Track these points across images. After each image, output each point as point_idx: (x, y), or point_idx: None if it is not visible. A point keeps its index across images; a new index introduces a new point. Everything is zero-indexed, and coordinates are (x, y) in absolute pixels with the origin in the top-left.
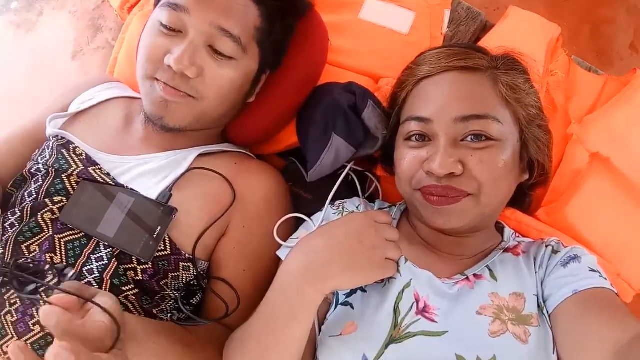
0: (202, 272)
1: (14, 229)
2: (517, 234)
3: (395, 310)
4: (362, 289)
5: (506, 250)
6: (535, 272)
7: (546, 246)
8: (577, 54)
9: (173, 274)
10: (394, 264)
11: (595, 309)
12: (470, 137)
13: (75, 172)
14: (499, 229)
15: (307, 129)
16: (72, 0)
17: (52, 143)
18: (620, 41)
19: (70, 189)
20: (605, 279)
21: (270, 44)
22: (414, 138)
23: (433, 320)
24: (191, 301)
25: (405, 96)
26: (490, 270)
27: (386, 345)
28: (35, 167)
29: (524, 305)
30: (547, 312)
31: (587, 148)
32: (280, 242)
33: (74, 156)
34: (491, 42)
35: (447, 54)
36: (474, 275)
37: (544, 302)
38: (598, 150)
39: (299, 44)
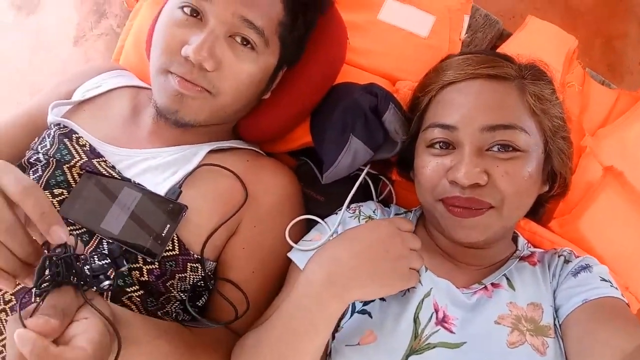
0: (209, 273)
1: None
2: (530, 244)
3: (416, 320)
4: (382, 298)
5: (522, 258)
6: (550, 283)
7: (559, 256)
8: (589, 66)
9: (180, 275)
10: (417, 274)
11: (604, 318)
12: (496, 147)
13: (78, 164)
14: (513, 238)
15: (324, 129)
16: None
17: (54, 131)
18: (630, 56)
19: (72, 181)
20: (616, 288)
21: (291, 40)
22: (437, 145)
23: (451, 331)
24: (197, 303)
25: (429, 101)
26: (507, 279)
27: (407, 357)
28: (35, 157)
29: (541, 315)
30: (559, 322)
31: (600, 161)
32: (292, 243)
33: (77, 146)
34: (510, 50)
35: (475, 61)
36: (492, 284)
37: (556, 312)
38: (612, 164)
39: (318, 41)
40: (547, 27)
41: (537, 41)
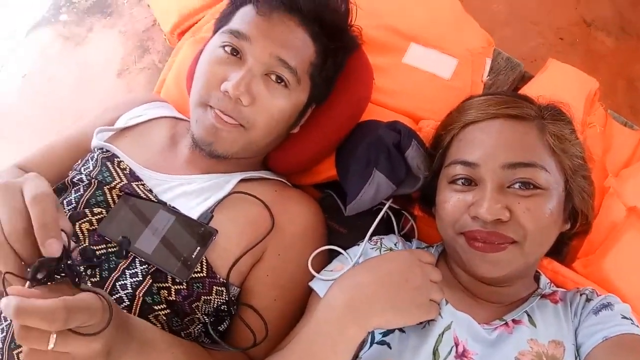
0: (232, 298)
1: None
2: (552, 284)
3: (435, 353)
4: (401, 330)
5: (543, 296)
6: (572, 321)
7: (580, 295)
8: (612, 108)
9: (205, 297)
10: (437, 307)
11: (624, 354)
12: (517, 184)
13: (118, 186)
14: (535, 277)
15: (349, 163)
16: (123, 20)
17: (97, 155)
18: None
19: (110, 201)
20: (637, 326)
21: (320, 79)
22: (459, 182)
23: None
24: (218, 327)
25: (451, 139)
26: (529, 315)
27: None
28: (78, 177)
29: (563, 354)
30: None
31: (624, 202)
32: (314, 273)
33: (118, 170)
34: (531, 92)
35: (496, 101)
36: (513, 320)
37: (577, 350)
38: (635, 205)
39: (346, 81)
40: (568, 70)
41: (558, 83)
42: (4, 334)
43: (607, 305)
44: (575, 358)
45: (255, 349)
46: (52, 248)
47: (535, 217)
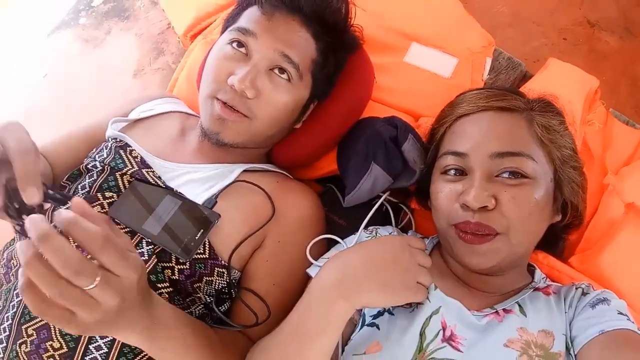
0: (234, 281)
1: None
2: (548, 279)
3: (422, 334)
4: (390, 312)
5: (536, 289)
6: (565, 312)
7: (576, 288)
8: (616, 107)
9: (207, 278)
10: (425, 290)
11: (620, 349)
12: (505, 173)
13: (129, 172)
14: (530, 271)
15: (348, 157)
16: (139, 24)
17: (111, 144)
18: None
19: (122, 186)
20: (633, 322)
21: (322, 76)
22: (450, 172)
23: (458, 350)
24: (219, 309)
25: (444, 132)
26: (520, 306)
27: None
28: (92, 164)
29: (552, 343)
30: (574, 352)
31: (623, 199)
32: (312, 260)
33: (130, 157)
34: (530, 91)
35: (486, 95)
36: (504, 309)
37: (571, 342)
38: (633, 201)
39: (346, 79)
40: (568, 69)
41: (558, 82)
42: (15, 309)
43: (603, 300)
44: (567, 348)
45: (254, 330)
46: (30, 194)
47: (520, 205)
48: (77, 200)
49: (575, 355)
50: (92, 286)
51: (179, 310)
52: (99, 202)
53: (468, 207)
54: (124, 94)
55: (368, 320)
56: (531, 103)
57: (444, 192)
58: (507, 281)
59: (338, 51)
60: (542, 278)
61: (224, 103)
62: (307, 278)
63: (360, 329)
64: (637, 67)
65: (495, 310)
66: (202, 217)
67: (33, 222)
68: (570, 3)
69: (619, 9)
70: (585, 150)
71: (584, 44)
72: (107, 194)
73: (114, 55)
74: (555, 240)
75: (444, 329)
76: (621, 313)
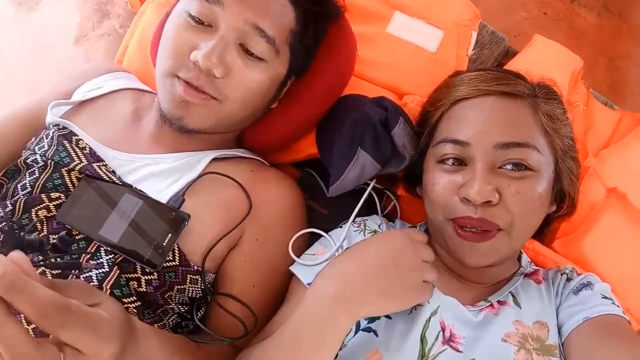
0: (208, 285)
1: (2, 224)
2: (532, 263)
3: (422, 339)
4: (387, 316)
5: (526, 275)
6: (553, 301)
7: (561, 274)
8: (593, 87)
9: (179, 287)
10: (430, 287)
11: (605, 335)
12: (509, 165)
13: (77, 167)
14: (517, 256)
15: (332, 141)
16: None
17: (52, 132)
18: (633, 77)
19: (70, 184)
20: (618, 306)
21: (301, 49)
22: (449, 161)
23: (458, 350)
24: (196, 315)
25: (440, 116)
26: (513, 296)
27: None
28: (32, 158)
29: (547, 334)
30: (561, 340)
31: (604, 182)
32: (295, 258)
33: (76, 149)
34: (517, 68)
35: (488, 77)
36: (498, 301)
37: (559, 330)
38: (615, 186)
39: (327, 51)
40: (554, 47)
41: (544, 60)
42: None
43: (587, 285)
44: (559, 338)
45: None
46: None
47: (524, 200)
48: (15, 256)
49: (562, 344)
50: None
51: (164, 336)
52: (44, 204)
53: (469, 202)
54: (65, 63)
55: (363, 324)
56: (535, 89)
57: (441, 184)
58: (499, 271)
59: (319, 19)
60: (528, 262)
61: (187, 83)
62: (291, 275)
63: (355, 333)
64: (614, 46)
65: (490, 303)
66: (169, 218)
67: None
68: None
69: None
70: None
71: (563, 19)
72: (53, 195)
73: (52, 20)
74: (544, 227)
75: (443, 329)
76: (605, 297)
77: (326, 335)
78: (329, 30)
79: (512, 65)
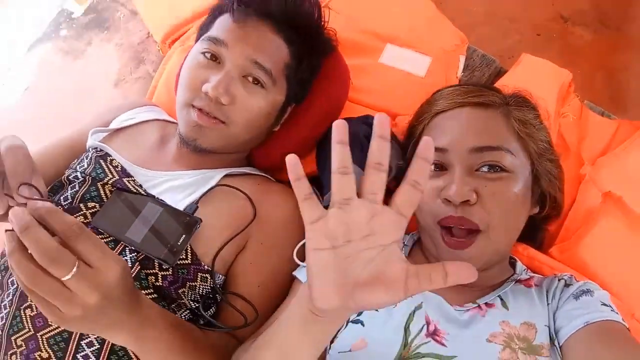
0: (218, 286)
1: None
2: (529, 270)
3: (406, 330)
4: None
5: (518, 281)
6: (548, 304)
7: (559, 280)
8: (592, 99)
9: (191, 284)
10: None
11: (605, 340)
12: (485, 167)
13: (110, 181)
14: (512, 263)
15: (325, 157)
16: (120, 34)
17: (91, 154)
18: (634, 87)
19: (104, 196)
20: (617, 313)
21: (296, 80)
22: (431, 167)
23: (443, 344)
24: (206, 313)
25: (422, 129)
26: (502, 299)
27: None
28: (73, 175)
29: (535, 335)
30: (559, 343)
31: (600, 188)
32: (299, 262)
33: (110, 167)
34: (504, 87)
35: (463, 91)
36: (486, 304)
37: (556, 333)
38: (610, 190)
39: (322, 81)
40: (541, 63)
41: (531, 76)
42: (3, 321)
43: (587, 292)
44: (551, 339)
45: (243, 331)
46: (22, 193)
47: (500, 200)
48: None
49: (560, 347)
50: (68, 277)
51: (166, 311)
52: (82, 212)
53: (450, 202)
54: (104, 104)
55: (353, 316)
56: (507, 98)
57: (426, 189)
58: (489, 275)
59: (312, 54)
60: (524, 270)
61: (200, 110)
62: (294, 279)
63: (346, 326)
64: (612, 58)
65: (477, 305)
66: (184, 222)
67: (15, 214)
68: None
69: (591, 2)
70: (561, 142)
71: (557, 39)
72: (90, 204)
73: (95, 66)
74: (535, 231)
75: (427, 323)
76: (604, 304)
77: (299, 335)
78: (323, 63)
79: (500, 83)
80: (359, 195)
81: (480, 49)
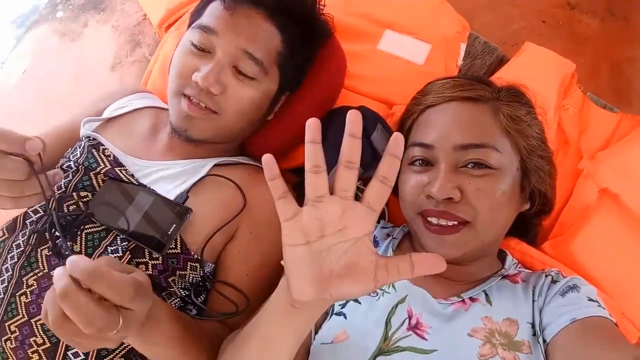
0: (208, 275)
1: (37, 215)
2: (520, 265)
3: (387, 323)
4: (356, 300)
5: (505, 277)
6: (534, 301)
7: (545, 276)
8: (596, 91)
9: (180, 272)
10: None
11: (593, 336)
12: (470, 164)
13: (102, 171)
14: (502, 257)
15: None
16: (116, 16)
17: (84, 143)
18: (639, 81)
19: (96, 185)
20: (604, 308)
21: (290, 68)
22: (417, 163)
23: (423, 338)
24: (197, 300)
25: (411, 123)
26: (486, 294)
27: (374, 357)
28: (67, 164)
29: (516, 331)
30: (545, 340)
31: (597, 184)
32: None
33: (102, 156)
34: (505, 76)
35: (452, 85)
36: (470, 298)
37: (542, 330)
38: (607, 186)
39: (317, 69)
40: (543, 53)
41: (533, 66)
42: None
43: (573, 287)
44: (535, 336)
45: (232, 320)
46: (32, 144)
47: (486, 196)
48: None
49: (546, 344)
50: (114, 332)
51: (166, 303)
52: (74, 200)
53: (433, 199)
54: (102, 87)
55: (337, 309)
56: (498, 92)
57: (410, 183)
58: (476, 269)
59: (306, 41)
60: (514, 264)
61: (190, 100)
62: (282, 269)
63: (330, 318)
64: (620, 50)
65: (461, 299)
66: (175, 211)
67: (57, 277)
68: None
69: None
70: (561, 135)
71: (563, 26)
72: (82, 193)
73: (92, 49)
74: (527, 227)
75: (409, 317)
76: (591, 299)
77: (280, 326)
78: (319, 50)
79: (501, 72)
80: (331, 192)
81: (483, 36)
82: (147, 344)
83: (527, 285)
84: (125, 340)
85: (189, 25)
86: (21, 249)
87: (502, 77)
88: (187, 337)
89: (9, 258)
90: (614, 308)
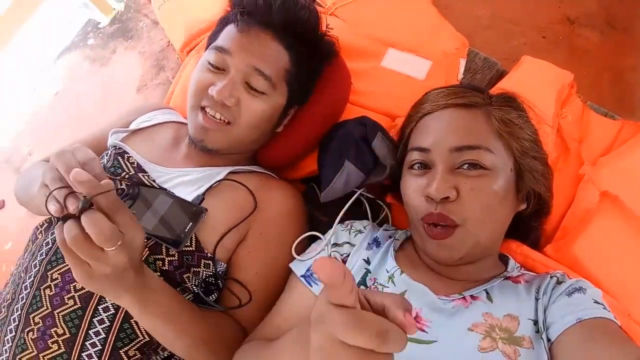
0: (220, 273)
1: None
2: (522, 268)
3: None
4: None
5: (507, 278)
6: (537, 299)
7: (551, 277)
8: (599, 101)
9: (194, 269)
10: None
11: (598, 337)
12: (465, 165)
13: (126, 176)
14: (504, 261)
15: (325, 156)
16: (142, 43)
17: (111, 151)
18: None
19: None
20: (609, 311)
21: (297, 83)
22: (416, 166)
23: (423, 330)
24: (208, 298)
25: (411, 130)
26: (487, 293)
27: None
28: None
29: (517, 327)
30: (549, 338)
31: (598, 187)
32: (295, 255)
33: (127, 163)
34: (499, 89)
35: (447, 93)
36: (471, 296)
37: (547, 329)
38: (608, 189)
39: (324, 86)
40: (541, 65)
41: (530, 77)
42: (24, 300)
43: (579, 289)
44: (537, 332)
45: (239, 314)
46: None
47: (479, 195)
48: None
49: (551, 342)
50: (113, 248)
51: (165, 282)
52: None
53: (432, 199)
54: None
55: None
56: (490, 98)
57: (412, 187)
58: (477, 270)
59: (312, 60)
60: (516, 267)
61: (206, 113)
62: (290, 271)
63: None
64: (619, 60)
65: (462, 297)
66: (191, 211)
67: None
68: (549, 3)
69: (599, 3)
70: (561, 142)
71: (564, 41)
72: None
73: (119, 73)
74: (527, 228)
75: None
76: (597, 302)
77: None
78: (324, 67)
79: (500, 85)
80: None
81: (485, 53)
82: (147, 313)
83: (530, 285)
84: (129, 310)
85: (207, 47)
86: (49, 246)
87: (509, 89)
88: (184, 314)
89: (38, 255)
90: (620, 309)
